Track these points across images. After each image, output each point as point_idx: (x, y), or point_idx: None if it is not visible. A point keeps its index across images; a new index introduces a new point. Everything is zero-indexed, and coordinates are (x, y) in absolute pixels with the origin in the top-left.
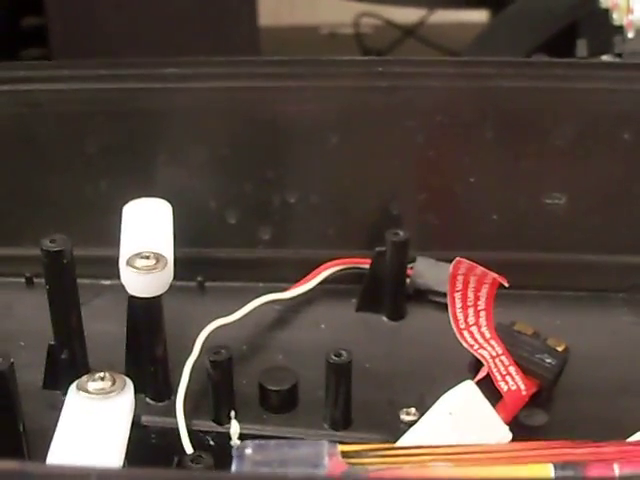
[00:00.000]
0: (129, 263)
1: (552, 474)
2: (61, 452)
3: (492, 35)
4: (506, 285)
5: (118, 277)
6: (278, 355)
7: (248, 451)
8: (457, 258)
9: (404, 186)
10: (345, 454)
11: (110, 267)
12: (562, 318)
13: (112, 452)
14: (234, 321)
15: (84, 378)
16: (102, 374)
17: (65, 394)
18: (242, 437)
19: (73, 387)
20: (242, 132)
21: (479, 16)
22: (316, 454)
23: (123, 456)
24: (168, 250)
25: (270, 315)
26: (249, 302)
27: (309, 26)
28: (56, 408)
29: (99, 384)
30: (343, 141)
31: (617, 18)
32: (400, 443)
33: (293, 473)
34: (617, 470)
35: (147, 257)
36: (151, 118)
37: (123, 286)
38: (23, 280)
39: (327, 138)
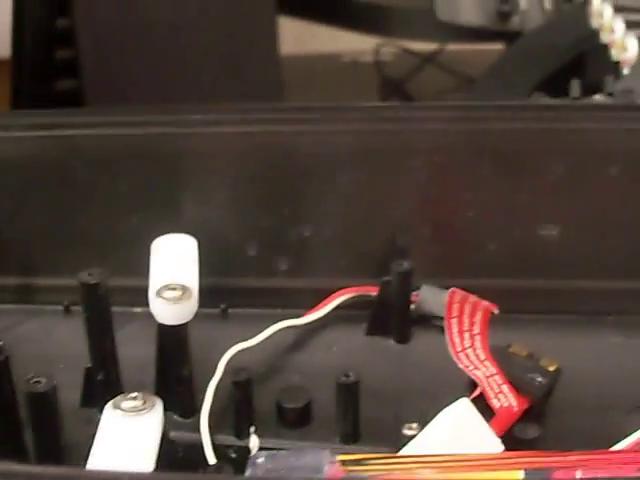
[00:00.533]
0: (158, 294)
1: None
2: (98, 462)
3: (502, 67)
4: (496, 312)
5: (148, 305)
6: (294, 376)
7: (260, 460)
8: (452, 289)
9: (409, 220)
10: (344, 462)
11: (140, 296)
12: (555, 340)
13: (143, 463)
14: (254, 345)
15: (119, 397)
16: (135, 394)
17: (100, 412)
18: (261, 450)
19: (109, 405)
20: (260, 172)
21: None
22: (317, 462)
23: (153, 467)
24: (193, 282)
25: (287, 339)
26: (268, 327)
27: (331, 54)
28: (92, 424)
29: (132, 403)
30: (353, 180)
31: (615, 54)
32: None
33: (296, 477)
34: (579, 474)
35: (174, 289)
36: (177, 160)
37: (152, 314)
38: (61, 308)
39: (338, 177)
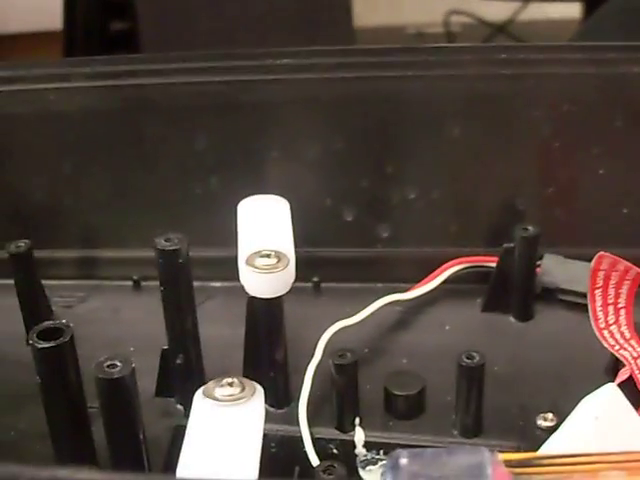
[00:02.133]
0: (249, 262)
1: None
2: (192, 464)
3: (596, 29)
4: None
5: (228, 279)
6: (402, 359)
7: (403, 461)
8: (600, 252)
9: (530, 179)
10: (508, 463)
11: (220, 269)
12: None
13: (247, 464)
14: (356, 323)
15: (211, 384)
16: (230, 379)
17: (179, 402)
18: (367, 445)
19: (199, 394)
20: (358, 125)
21: (570, 12)
22: (478, 464)
23: (257, 468)
24: (289, 248)
25: (391, 317)
26: (368, 304)
27: (394, 27)
28: (170, 416)
29: (228, 390)
30: (465, 133)
31: None
32: (542, 450)
33: None
34: None
35: (268, 256)
36: (263, 111)
37: (234, 288)
38: (130, 283)
39: (449, 129)
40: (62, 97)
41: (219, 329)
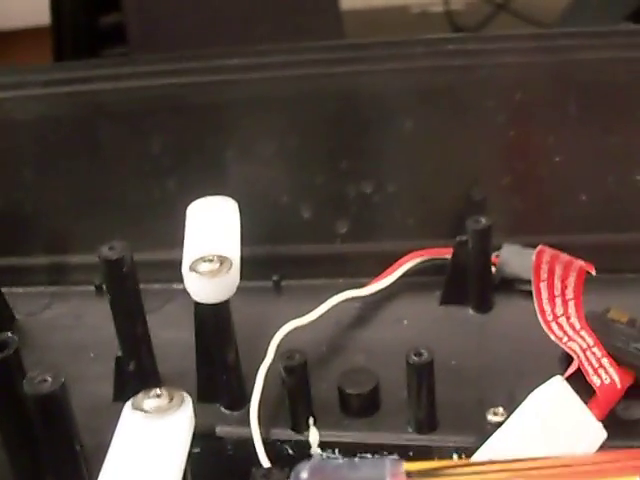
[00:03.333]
0: (192, 268)
1: None
2: (112, 475)
3: (582, 4)
4: (593, 273)
5: None
6: (359, 355)
7: (304, 475)
8: (540, 246)
9: (486, 170)
10: (410, 474)
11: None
12: None
13: (167, 475)
14: (311, 321)
15: (140, 396)
16: (158, 391)
17: None
18: (322, 445)
19: (128, 405)
20: (311, 121)
21: None
22: (378, 475)
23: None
24: (234, 251)
25: (349, 313)
26: (327, 300)
27: (400, 6)
28: None
29: (155, 402)
30: (419, 125)
31: None
32: (486, 446)
33: None
34: None
35: (211, 260)
36: (216, 112)
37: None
38: (93, 288)
39: (403, 122)
40: (18, 105)
41: (178, 332)
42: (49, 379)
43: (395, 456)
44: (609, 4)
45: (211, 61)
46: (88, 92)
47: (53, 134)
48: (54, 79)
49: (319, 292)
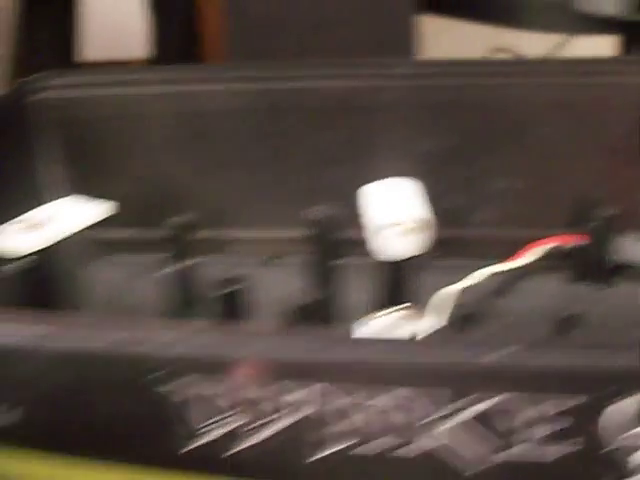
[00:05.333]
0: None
1: None
2: None
3: None
4: None
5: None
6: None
7: None
8: None
9: (610, 166)
10: None
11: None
12: None
13: None
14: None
15: None
16: None
17: None
18: None
19: None
20: (466, 125)
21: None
22: None
23: None
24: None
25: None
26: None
27: None
28: None
29: None
30: (551, 132)
31: None
32: None
33: None
34: None
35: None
36: (376, 114)
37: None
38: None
39: (538, 130)
40: (208, 98)
41: None
42: None
43: None
44: None
45: (376, 69)
46: (272, 90)
47: (241, 123)
48: (244, 76)
49: (461, 270)
